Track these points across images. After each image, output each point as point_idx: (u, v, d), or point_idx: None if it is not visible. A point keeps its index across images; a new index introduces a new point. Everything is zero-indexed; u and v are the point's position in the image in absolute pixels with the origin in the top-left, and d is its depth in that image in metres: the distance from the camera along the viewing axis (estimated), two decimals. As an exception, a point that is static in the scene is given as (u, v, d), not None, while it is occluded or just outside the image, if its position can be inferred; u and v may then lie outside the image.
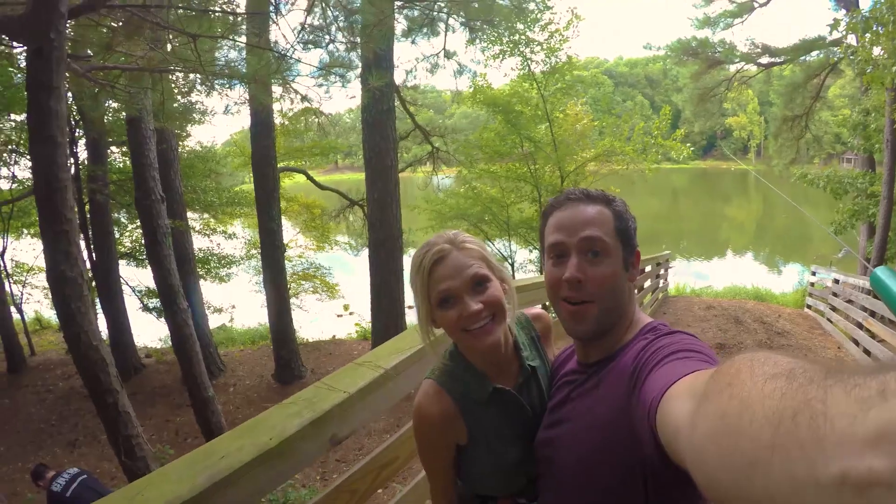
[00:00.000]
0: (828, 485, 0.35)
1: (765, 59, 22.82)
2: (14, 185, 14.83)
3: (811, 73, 21.46)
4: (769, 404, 0.43)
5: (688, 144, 16.79)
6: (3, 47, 7.18)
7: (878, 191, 14.03)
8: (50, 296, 16.58)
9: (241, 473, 1.44)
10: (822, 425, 0.37)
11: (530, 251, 16.00)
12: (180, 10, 5.65)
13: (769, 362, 0.49)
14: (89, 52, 6.62)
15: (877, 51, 9.06)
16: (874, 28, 8.60)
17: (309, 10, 7.95)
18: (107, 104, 9.91)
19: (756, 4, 22.35)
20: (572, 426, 1.31)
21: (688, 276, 20.82)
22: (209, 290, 15.47)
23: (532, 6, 12.96)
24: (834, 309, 11.01)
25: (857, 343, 9.06)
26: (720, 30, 23.00)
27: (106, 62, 6.12)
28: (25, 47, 4.67)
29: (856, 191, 15.99)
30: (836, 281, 11.11)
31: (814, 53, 21.00)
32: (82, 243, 10.35)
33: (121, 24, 5.88)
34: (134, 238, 15.53)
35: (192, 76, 8.09)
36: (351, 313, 17.41)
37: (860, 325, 9.05)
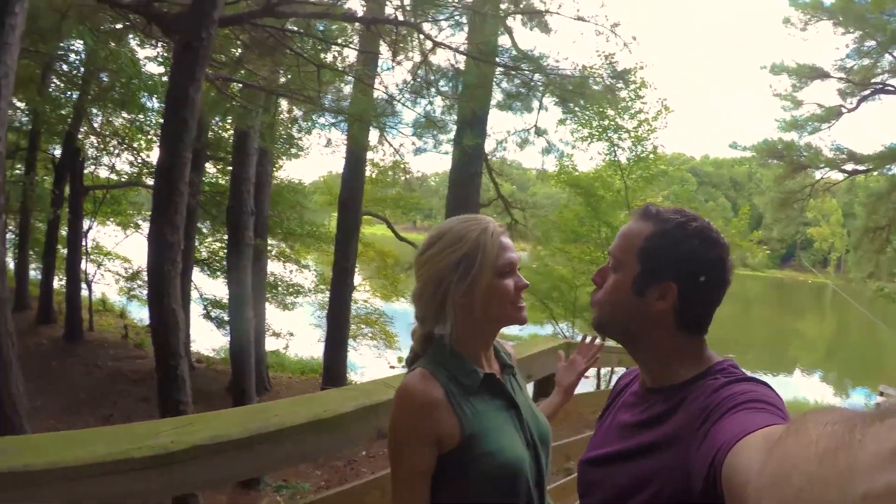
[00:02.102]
0: None
1: (849, 167, 22.01)
2: (111, 176, 16.29)
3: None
4: (822, 444, 0.45)
5: (764, 248, 16.41)
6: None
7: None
8: (120, 283, 17.94)
9: (289, 433, 1.58)
10: (857, 453, 0.40)
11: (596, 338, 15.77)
12: (306, 39, 6.15)
13: (836, 413, 0.49)
14: (220, 61, 7.25)
15: None
16: None
17: (414, 72, 8.38)
18: (213, 120, 10.56)
19: (844, 110, 21.79)
20: (627, 453, 1.26)
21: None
22: (272, 314, 15.86)
23: (624, 94, 13.18)
24: None
25: None
26: (807, 134, 22.44)
27: (232, 75, 6.68)
28: (173, 41, 5.24)
29: None
30: (905, 401, 10.59)
31: None
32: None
33: (254, 42, 6.44)
34: (211, 250, 16.43)
35: (295, 111, 8.67)
36: (404, 366, 17.39)
37: None
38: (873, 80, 21.29)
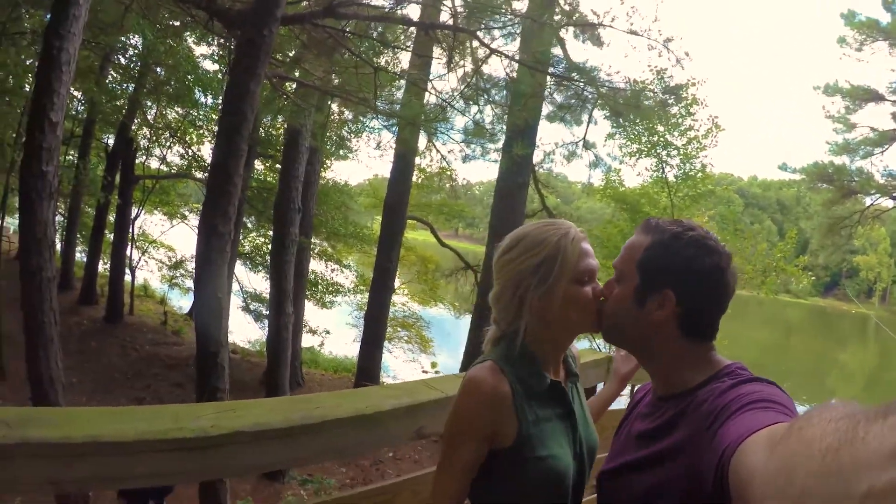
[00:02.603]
0: (856, 502, 0.38)
1: None
2: (161, 167, 16.74)
3: None
4: (825, 441, 0.45)
5: (809, 274, 16.10)
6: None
7: None
8: (163, 270, 18.53)
9: (331, 426, 1.56)
10: (860, 450, 0.40)
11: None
12: (364, 40, 6.22)
13: (839, 409, 0.50)
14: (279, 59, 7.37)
15: None
16: None
17: (467, 79, 8.40)
18: (265, 118, 10.74)
19: None
20: (643, 462, 1.27)
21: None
22: (310, 311, 16.06)
23: (675, 110, 13.03)
24: None
25: None
26: (859, 158, 21.83)
27: (289, 74, 6.78)
28: (234, 37, 5.36)
29: None
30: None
31: None
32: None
33: (312, 41, 6.54)
34: (254, 245, 16.71)
35: (345, 113, 8.74)
36: (437, 372, 17.40)
37: None
38: None
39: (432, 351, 18.26)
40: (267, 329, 10.44)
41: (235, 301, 15.33)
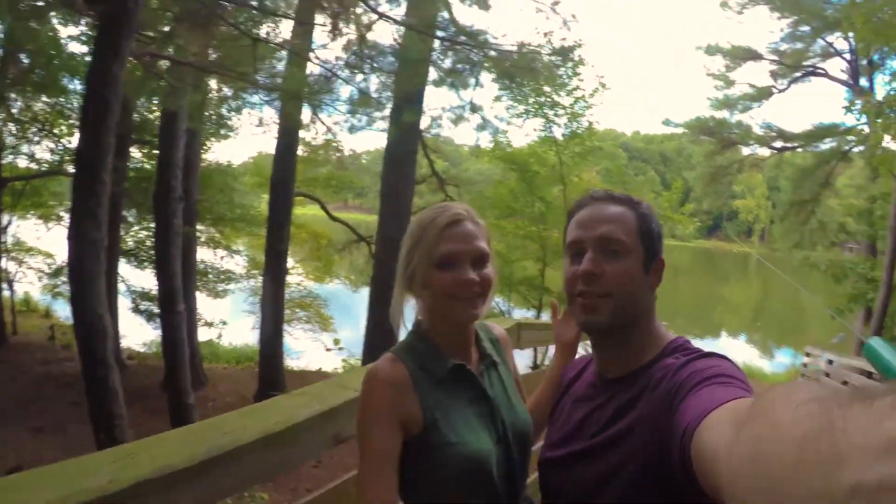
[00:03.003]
0: (842, 496, 0.35)
1: (778, 144, 23.47)
2: (31, 165, 15.17)
3: (822, 159, 22.02)
4: (797, 426, 0.43)
5: (695, 220, 17.02)
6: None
7: (879, 276, 14.32)
8: (43, 280, 16.95)
9: (242, 452, 1.41)
10: (840, 441, 0.38)
11: (527, 310, 16.00)
12: (246, 10, 5.79)
13: (804, 389, 0.48)
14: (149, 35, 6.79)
15: (887, 139, 9.42)
16: (886, 112, 8.94)
17: (352, 47, 8.12)
18: (140, 101, 10.08)
19: (775, 90, 23.03)
20: (597, 447, 1.22)
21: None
22: (203, 303, 15.42)
23: (562, 71, 13.23)
24: None
25: None
26: (738, 112, 23.67)
27: (161, 51, 6.26)
28: (97, 13, 4.83)
29: (856, 276, 16.29)
30: (830, 362, 11.12)
31: (826, 141, 21.58)
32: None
33: (185, 14, 6.04)
34: (138, 239, 15.58)
35: (224, 89, 8.24)
36: (340, 348, 17.28)
37: None
38: (805, 63, 22.44)
39: (333, 328, 18.05)
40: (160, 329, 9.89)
41: (125, 303, 14.51)
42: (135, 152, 14.31)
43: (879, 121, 9.22)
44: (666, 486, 1.04)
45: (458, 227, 1.39)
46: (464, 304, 1.37)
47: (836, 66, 24.72)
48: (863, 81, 19.42)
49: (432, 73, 10.85)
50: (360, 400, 1.37)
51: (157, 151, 10.38)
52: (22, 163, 15.35)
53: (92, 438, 5.31)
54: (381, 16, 6.87)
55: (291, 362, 15.23)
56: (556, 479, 1.34)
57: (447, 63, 10.43)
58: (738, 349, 25.36)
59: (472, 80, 11.90)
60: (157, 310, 12.53)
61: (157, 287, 10.27)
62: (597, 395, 1.33)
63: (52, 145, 14.79)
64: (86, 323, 4.80)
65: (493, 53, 8.70)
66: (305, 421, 1.60)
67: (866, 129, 11.21)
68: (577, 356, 1.71)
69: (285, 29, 8.53)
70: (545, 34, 11.43)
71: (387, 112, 10.20)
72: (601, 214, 1.30)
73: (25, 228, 17.01)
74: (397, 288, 1.45)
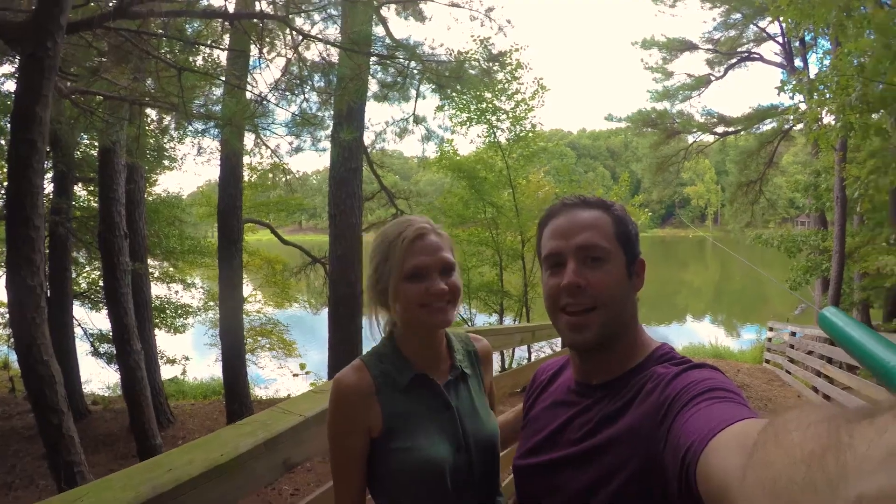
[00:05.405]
0: None
1: (720, 129, 24.23)
2: None
3: (764, 140, 22.82)
4: (807, 447, 0.44)
5: (646, 210, 17.30)
6: None
7: (831, 246, 14.66)
8: None
9: (187, 487, 1.38)
10: (847, 455, 0.39)
11: (489, 315, 16.04)
12: (170, 41, 5.69)
13: (815, 411, 0.49)
14: (75, 73, 6.62)
15: (823, 114, 9.72)
16: (820, 88, 9.21)
17: (286, 69, 8.06)
18: (79, 137, 9.84)
19: (713, 78, 23.81)
20: (583, 455, 1.20)
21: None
22: (164, 341, 15.07)
23: (501, 76, 13.36)
24: (792, 361, 11.34)
25: (816, 390, 9.33)
26: (678, 102, 24.34)
27: (90, 87, 6.12)
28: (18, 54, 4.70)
29: (809, 248, 16.79)
30: (793, 334, 11.45)
31: (767, 122, 22.28)
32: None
33: (112, 48, 5.91)
34: (91, 279, 15.17)
35: (166, 120, 8.10)
36: (307, 373, 17.09)
37: (819, 373, 9.31)
38: (739, 50, 23.20)
39: (297, 353, 17.88)
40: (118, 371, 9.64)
41: (83, 346, 14.06)
42: (80, 190, 13.95)
43: (815, 97, 9.50)
44: (656, 498, 1.04)
45: (424, 240, 1.44)
46: (434, 312, 1.43)
47: (771, 50, 25.54)
48: (798, 62, 20.08)
49: (372, 88, 10.88)
50: (328, 412, 1.46)
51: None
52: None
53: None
54: (306, 37, 6.81)
55: (260, 391, 15.10)
56: (534, 485, 1.32)
57: (386, 77, 10.46)
58: (704, 330, 25.76)
59: (413, 92, 11.93)
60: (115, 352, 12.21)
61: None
62: (578, 401, 1.30)
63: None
64: (33, 371, 4.63)
65: (428, 64, 8.71)
66: (250, 451, 1.57)
67: (803, 107, 11.52)
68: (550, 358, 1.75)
69: (224, 56, 8.46)
70: (481, 41, 11.55)
71: (329, 131, 10.14)
72: (577, 221, 1.27)
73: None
74: (368, 304, 1.52)
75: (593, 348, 1.25)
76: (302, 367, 17.47)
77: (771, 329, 14.48)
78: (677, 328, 27.78)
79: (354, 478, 1.46)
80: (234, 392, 11.49)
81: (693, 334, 22.85)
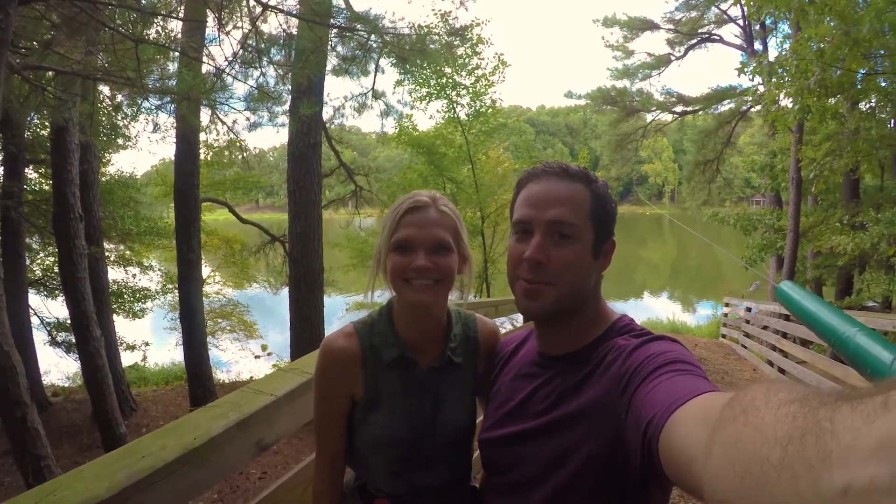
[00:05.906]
0: (832, 497, 0.36)
1: (679, 108, 24.62)
2: None
3: (722, 120, 23.26)
4: (781, 427, 0.44)
5: (604, 186, 17.56)
6: None
7: (786, 225, 14.96)
8: None
9: (163, 473, 1.38)
10: (829, 441, 0.38)
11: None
12: (124, 12, 5.45)
13: (784, 390, 0.49)
14: (25, 47, 6.34)
15: (781, 96, 9.91)
16: (779, 72, 9.39)
17: (244, 41, 7.85)
18: (30, 116, 9.48)
19: (673, 58, 24.11)
20: (548, 427, 1.21)
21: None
22: (122, 326, 14.72)
23: (461, 51, 13.26)
24: (748, 335, 11.60)
25: (771, 364, 9.54)
26: (638, 80, 24.66)
27: (42, 62, 5.85)
28: None
29: (764, 226, 17.19)
30: (749, 309, 11.71)
31: (725, 103, 22.71)
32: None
33: (64, 20, 5.64)
34: (45, 266, 14.68)
35: (119, 96, 7.83)
36: (269, 354, 16.94)
37: (774, 347, 9.54)
38: (700, 31, 23.52)
39: (259, 334, 17.68)
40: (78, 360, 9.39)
41: (41, 336, 13.63)
42: (31, 173, 13.49)
43: (774, 80, 9.68)
44: (619, 469, 1.06)
45: (418, 213, 1.41)
46: (416, 289, 1.40)
47: (732, 32, 26.00)
48: (758, 45, 20.41)
49: (331, 62, 10.70)
50: (314, 372, 1.50)
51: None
52: None
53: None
54: (267, 7, 6.63)
55: (222, 375, 14.90)
56: (500, 457, 1.32)
57: (346, 51, 10.26)
58: (661, 306, 26.25)
59: (372, 67, 11.77)
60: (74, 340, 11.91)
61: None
62: (540, 373, 1.31)
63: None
64: (-10, 363, 4.49)
65: (388, 38, 8.57)
66: (223, 433, 1.57)
67: (762, 90, 11.73)
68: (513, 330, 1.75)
69: (179, 28, 8.17)
70: (442, 15, 11.43)
71: (287, 106, 9.94)
72: (553, 193, 1.23)
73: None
74: (370, 273, 1.51)
75: (549, 319, 1.26)
76: (263, 348, 17.32)
77: (727, 305, 14.82)
78: (635, 304, 28.24)
79: (334, 436, 1.51)
80: (197, 376, 11.34)
81: (651, 310, 23.35)
